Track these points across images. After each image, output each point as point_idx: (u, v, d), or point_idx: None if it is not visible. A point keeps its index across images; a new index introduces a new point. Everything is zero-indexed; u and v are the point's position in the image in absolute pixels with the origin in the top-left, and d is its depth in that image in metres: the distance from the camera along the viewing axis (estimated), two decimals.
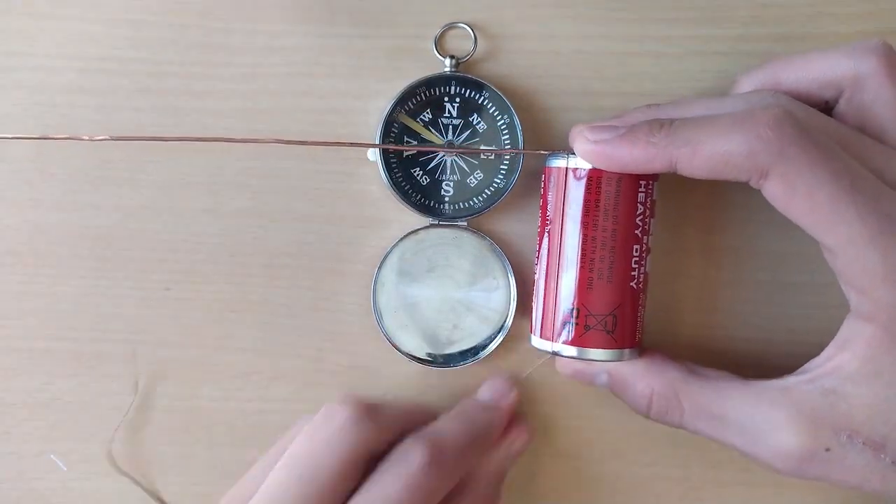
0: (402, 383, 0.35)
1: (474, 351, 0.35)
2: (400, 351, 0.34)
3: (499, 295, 0.35)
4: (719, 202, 0.35)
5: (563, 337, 0.31)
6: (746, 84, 0.32)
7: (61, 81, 0.35)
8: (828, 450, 0.28)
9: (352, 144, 0.34)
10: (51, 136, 0.33)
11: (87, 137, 0.32)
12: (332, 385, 0.35)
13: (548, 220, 0.32)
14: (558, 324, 0.31)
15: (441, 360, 0.35)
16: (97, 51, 0.35)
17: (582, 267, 0.31)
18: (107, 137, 0.32)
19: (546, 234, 0.32)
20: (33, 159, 0.35)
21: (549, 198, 0.32)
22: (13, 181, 0.35)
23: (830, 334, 0.29)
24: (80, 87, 0.35)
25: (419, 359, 0.34)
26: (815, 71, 0.30)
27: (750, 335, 0.35)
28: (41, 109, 0.35)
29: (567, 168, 0.31)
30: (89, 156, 0.35)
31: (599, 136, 0.30)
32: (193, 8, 0.35)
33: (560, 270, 0.31)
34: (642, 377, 0.31)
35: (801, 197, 0.27)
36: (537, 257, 0.32)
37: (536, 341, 0.32)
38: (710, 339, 0.35)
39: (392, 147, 0.34)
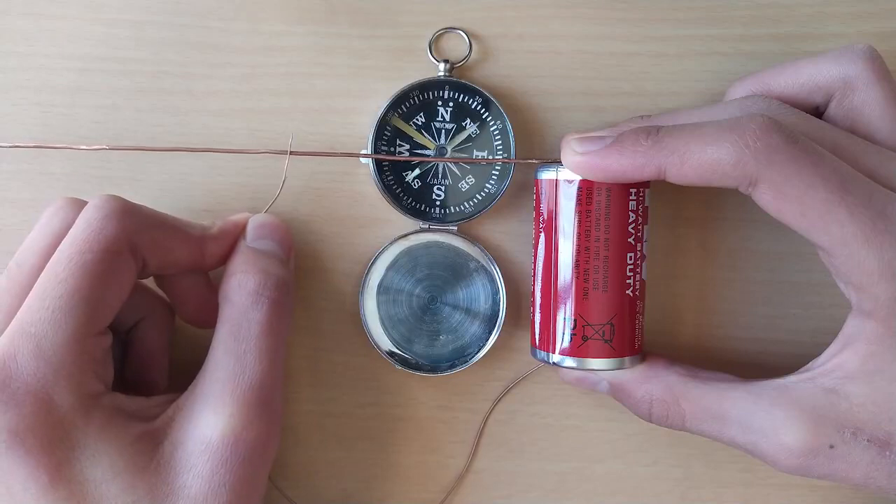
0: (391, 386, 0.35)
1: (461, 357, 0.35)
2: (386, 355, 0.34)
3: (487, 301, 0.34)
4: (717, 202, 0.35)
5: (562, 348, 0.31)
6: (739, 92, 0.32)
7: (61, 81, 0.35)
8: (831, 447, 0.28)
9: (344, 154, 0.34)
10: (48, 144, 0.33)
11: (84, 147, 0.32)
12: (330, 385, 0.35)
13: (541, 231, 0.32)
14: (556, 335, 0.31)
15: (428, 366, 0.34)
16: (97, 51, 0.35)
17: (577, 277, 0.31)
18: (104, 146, 0.33)
19: (540, 246, 0.32)
20: (33, 160, 0.35)
21: (542, 209, 0.32)
22: (13, 181, 0.35)
23: (830, 333, 0.29)
24: (80, 87, 0.35)
25: (405, 364, 0.34)
26: (804, 77, 0.31)
27: (750, 335, 0.35)
28: (41, 109, 0.35)
29: (557, 179, 0.31)
30: (89, 156, 0.35)
31: (587, 147, 0.30)
32: (193, 8, 0.35)
33: (555, 281, 0.31)
34: (641, 384, 0.31)
35: (791, 202, 0.27)
36: (533, 268, 0.33)
37: (536, 353, 0.32)
38: (710, 340, 0.35)
39: (383, 157, 0.34)
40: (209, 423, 0.28)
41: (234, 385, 0.29)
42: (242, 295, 0.30)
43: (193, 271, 0.32)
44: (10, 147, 0.34)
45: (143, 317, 0.33)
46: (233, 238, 0.32)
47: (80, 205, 0.30)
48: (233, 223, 0.32)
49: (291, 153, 0.33)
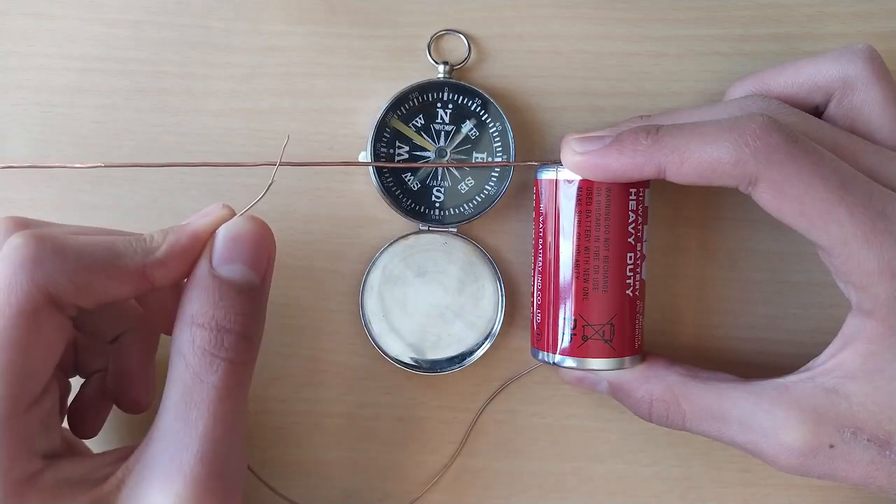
0: (391, 386, 0.35)
1: (461, 357, 0.34)
2: (386, 355, 0.34)
3: (487, 301, 0.34)
4: (717, 202, 0.35)
5: (562, 348, 0.31)
6: (738, 92, 0.32)
7: (61, 81, 0.35)
8: (831, 446, 0.28)
9: (342, 164, 0.34)
10: (40, 164, 0.32)
11: (79, 165, 0.31)
12: (330, 385, 0.35)
13: (541, 231, 0.32)
14: (557, 335, 0.31)
15: (427, 366, 0.34)
16: (97, 51, 0.35)
17: (577, 277, 0.31)
18: (100, 164, 0.32)
19: (540, 246, 0.32)
20: (33, 160, 0.35)
21: (542, 209, 0.32)
22: (13, 181, 0.35)
23: (830, 333, 0.29)
24: (80, 87, 0.35)
25: (405, 364, 0.34)
26: (804, 76, 0.31)
27: (750, 335, 0.35)
28: (41, 109, 0.35)
29: (557, 180, 0.31)
30: (89, 156, 0.35)
31: (587, 147, 0.30)
32: (193, 8, 0.35)
33: (555, 282, 0.31)
34: (641, 383, 0.31)
35: (791, 201, 0.27)
36: (533, 269, 0.33)
37: (536, 353, 0.32)
38: (710, 340, 0.35)
39: (382, 165, 0.34)
40: (156, 500, 0.26)
41: (181, 458, 0.26)
42: (196, 353, 0.26)
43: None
44: (5, 168, 0.33)
45: (125, 330, 0.31)
46: (189, 258, 0.28)
47: (10, 233, 0.26)
48: (189, 235, 0.28)
49: (281, 164, 0.31)
